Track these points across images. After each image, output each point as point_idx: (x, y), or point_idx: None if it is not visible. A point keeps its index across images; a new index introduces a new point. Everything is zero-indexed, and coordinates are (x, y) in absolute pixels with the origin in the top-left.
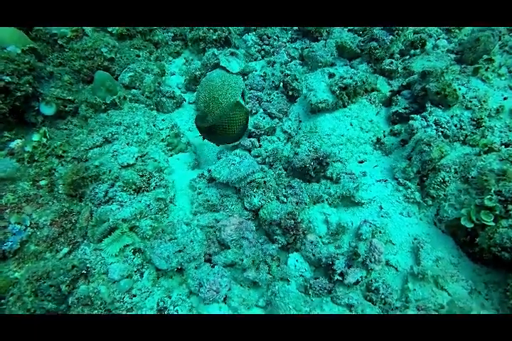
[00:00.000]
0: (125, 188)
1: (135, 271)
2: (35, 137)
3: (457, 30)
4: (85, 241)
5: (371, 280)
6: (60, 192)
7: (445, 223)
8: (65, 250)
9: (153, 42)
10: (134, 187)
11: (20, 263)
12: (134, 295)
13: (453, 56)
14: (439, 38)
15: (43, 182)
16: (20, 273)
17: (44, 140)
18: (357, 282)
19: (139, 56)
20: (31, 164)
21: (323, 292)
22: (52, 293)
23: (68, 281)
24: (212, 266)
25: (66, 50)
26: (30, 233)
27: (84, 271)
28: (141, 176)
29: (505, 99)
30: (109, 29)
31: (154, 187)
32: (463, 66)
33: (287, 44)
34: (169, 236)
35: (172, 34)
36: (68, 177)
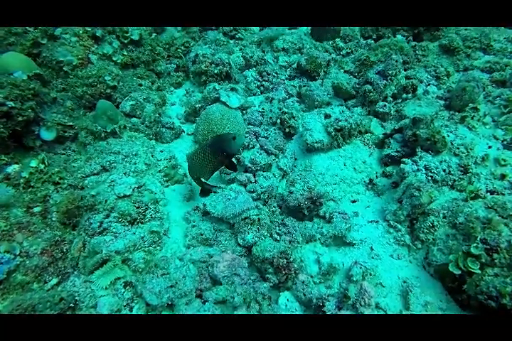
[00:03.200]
0: (120, 219)
1: (125, 306)
2: (33, 163)
3: (446, 78)
4: (75, 273)
5: None
6: (54, 219)
7: (434, 267)
8: (54, 281)
9: (155, 72)
10: (129, 218)
11: (5, 294)
12: None
13: (442, 102)
14: (429, 84)
15: (36, 209)
16: (3, 304)
17: (42, 166)
18: None
19: (141, 85)
20: (26, 190)
21: None
22: None
23: None
24: (203, 302)
25: (71, 76)
26: (18, 262)
27: (71, 305)
28: (137, 208)
29: (489, 147)
30: (114, 58)
31: (149, 220)
32: (451, 112)
33: (285, 81)
34: (162, 271)
35: (175, 65)
36: (63, 205)
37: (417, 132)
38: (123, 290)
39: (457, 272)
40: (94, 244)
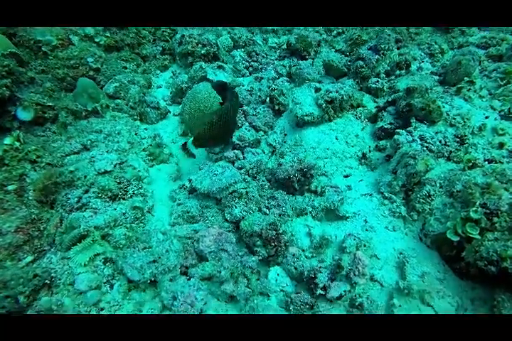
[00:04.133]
0: (100, 195)
1: (105, 282)
2: (7, 140)
3: (440, 55)
4: (52, 250)
5: (355, 296)
6: (30, 198)
7: (430, 238)
8: (29, 258)
9: (141, 55)
10: (109, 194)
11: None
12: (102, 309)
13: (436, 77)
14: (423, 61)
15: (10, 187)
16: None
17: (17, 144)
18: (340, 296)
19: (125, 68)
20: (0, 168)
21: (304, 307)
22: (8, 304)
23: (28, 292)
24: (189, 279)
25: (50, 57)
26: None
27: (47, 281)
28: (118, 183)
29: (486, 117)
30: (97, 39)
31: (131, 196)
32: (446, 87)
33: (275, 62)
34: (143, 244)
35: (161, 48)
36: (40, 182)
37: (412, 102)
38: (103, 267)
39: (455, 239)
40: (72, 220)
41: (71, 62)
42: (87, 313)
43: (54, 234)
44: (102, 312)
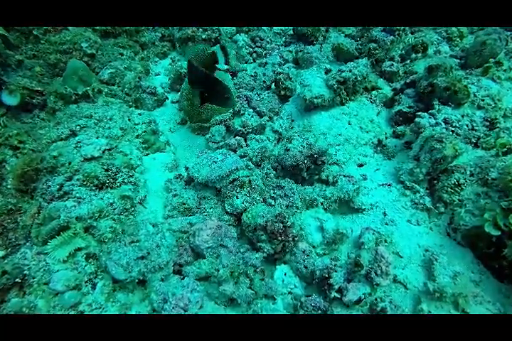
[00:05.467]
0: (85, 183)
1: (86, 282)
2: None
3: (458, 39)
4: (28, 244)
5: (376, 300)
6: (9, 186)
7: (461, 232)
8: (0, 253)
9: (139, 43)
10: (96, 182)
11: None
12: (82, 312)
13: (456, 61)
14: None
15: None
16: None
17: None
18: (359, 300)
19: (122, 55)
20: None
21: (316, 313)
22: None
23: None
24: (183, 279)
25: (42, 42)
26: None
27: (18, 280)
28: (106, 170)
29: None
30: None
31: (121, 184)
32: (467, 71)
33: (281, 47)
34: (130, 238)
35: (160, 34)
36: (18, 168)
37: (434, 81)
38: (84, 263)
39: (496, 233)
40: (51, 209)
41: (64, 47)
42: None
43: (30, 226)
44: None
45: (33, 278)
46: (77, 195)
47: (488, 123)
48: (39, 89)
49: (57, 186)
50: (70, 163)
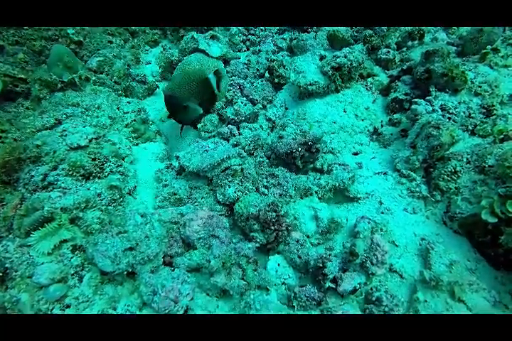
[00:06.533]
0: (71, 172)
1: (72, 274)
2: None
3: (455, 27)
4: (10, 236)
5: (371, 289)
6: None
7: (458, 221)
8: None
9: (129, 30)
10: (82, 171)
11: None
12: (68, 306)
13: (454, 48)
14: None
15: None
16: None
17: None
18: (354, 290)
19: (111, 42)
20: None
21: (310, 303)
22: None
23: None
24: (173, 270)
25: (25, 27)
26: None
27: (0, 273)
28: (93, 160)
29: None
30: None
31: (108, 174)
32: (464, 58)
33: (275, 35)
34: (118, 228)
35: None
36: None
37: (431, 67)
38: (70, 255)
39: (493, 220)
40: (35, 200)
41: (49, 34)
42: (49, 311)
43: (12, 218)
44: (67, 310)
45: (16, 272)
46: (63, 185)
47: (484, 110)
48: (22, 76)
49: (41, 176)
50: (54, 152)
